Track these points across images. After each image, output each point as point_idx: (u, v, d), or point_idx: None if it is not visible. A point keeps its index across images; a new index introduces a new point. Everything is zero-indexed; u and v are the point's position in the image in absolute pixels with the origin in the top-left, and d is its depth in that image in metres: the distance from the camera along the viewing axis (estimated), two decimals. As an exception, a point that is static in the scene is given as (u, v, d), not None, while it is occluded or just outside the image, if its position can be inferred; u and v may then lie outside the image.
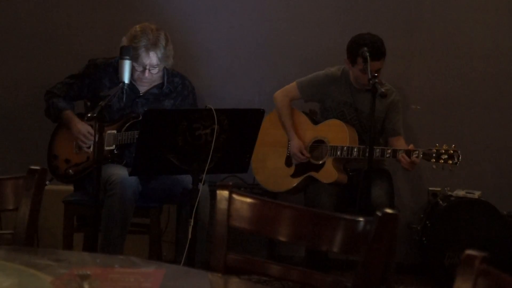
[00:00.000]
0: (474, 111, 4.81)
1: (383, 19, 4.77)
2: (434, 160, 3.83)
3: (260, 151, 4.26)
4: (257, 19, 4.87)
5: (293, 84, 4.30)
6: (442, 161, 3.82)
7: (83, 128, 3.86)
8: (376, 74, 3.62)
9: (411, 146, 3.92)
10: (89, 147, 3.86)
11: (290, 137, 4.24)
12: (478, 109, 4.81)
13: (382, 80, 4.20)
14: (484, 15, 4.78)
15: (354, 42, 4.00)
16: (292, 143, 4.21)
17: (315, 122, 4.29)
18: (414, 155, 3.85)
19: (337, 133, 4.11)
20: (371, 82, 3.58)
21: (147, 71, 3.80)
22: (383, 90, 3.56)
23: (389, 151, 3.93)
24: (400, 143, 4.15)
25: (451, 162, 3.82)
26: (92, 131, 3.83)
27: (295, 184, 4.24)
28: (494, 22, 4.79)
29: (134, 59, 3.72)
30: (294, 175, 4.24)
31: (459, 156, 3.82)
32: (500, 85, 4.81)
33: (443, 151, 3.83)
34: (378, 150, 3.94)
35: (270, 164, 4.31)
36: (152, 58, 3.77)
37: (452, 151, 3.82)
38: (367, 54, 3.81)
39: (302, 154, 4.16)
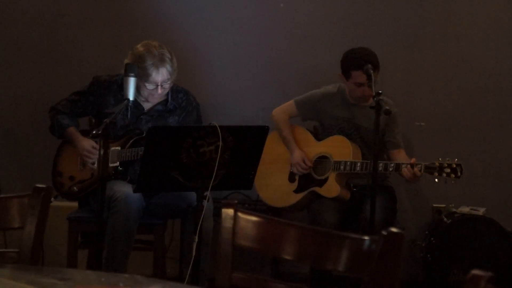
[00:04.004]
0: (478, 127, 4.81)
1: (385, 35, 4.78)
2: (436, 174, 3.84)
3: (263, 169, 4.25)
4: (261, 37, 4.89)
5: (291, 102, 4.35)
6: (445, 175, 3.83)
7: (87, 144, 3.87)
8: (380, 92, 3.62)
9: (413, 160, 3.92)
10: (93, 163, 3.87)
11: (291, 149, 4.25)
12: (482, 125, 4.81)
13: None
14: (486, 31, 4.79)
15: (345, 57, 4.08)
16: (294, 154, 4.22)
17: (319, 139, 4.30)
18: (417, 169, 3.85)
19: (340, 148, 4.13)
20: (375, 99, 3.58)
21: (159, 87, 3.80)
22: (387, 107, 3.56)
23: (392, 165, 3.95)
24: (401, 156, 4.16)
25: (453, 175, 3.82)
26: (95, 145, 3.85)
27: (298, 199, 4.24)
28: (496, 38, 4.79)
29: (145, 79, 3.74)
30: (297, 191, 4.25)
31: (462, 170, 3.83)
32: (504, 101, 4.80)
33: (446, 165, 3.84)
34: (381, 165, 3.95)
35: (273, 180, 4.32)
36: (163, 74, 3.77)
37: (455, 165, 3.84)
38: (371, 71, 3.82)
39: (305, 163, 4.16)
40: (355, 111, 4.19)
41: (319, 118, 4.31)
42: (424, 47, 4.82)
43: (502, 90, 4.81)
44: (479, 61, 4.81)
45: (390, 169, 3.95)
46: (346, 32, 4.83)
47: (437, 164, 3.85)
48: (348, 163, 4.06)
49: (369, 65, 3.87)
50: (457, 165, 3.84)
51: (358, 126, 4.19)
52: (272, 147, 4.30)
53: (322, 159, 4.20)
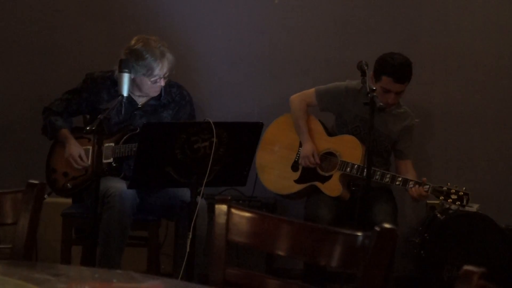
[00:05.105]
0: (473, 124, 4.82)
1: (382, 31, 4.78)
2: (442, 198, 3.84)
3: (269, 150, 4.25)
4: (256, 32, 4.88)
5: (312, 90, 4.26)
6: (451, 201, 3.83)
7: (75, 152, 3.86)
8: (374, 88, 3.61)
9: (424, 179, 3.90)
10: (80, 169, 3.87)
11: (303, 140, 4.19)
12: (477, 122, 4.81)
13: (401, 102, 4.19)
14: (485, 27, 4.79)
15: (382, 59, 4.00)
16: (305, 146, 4.16)
17: (330, 133, 4.26)
18: (424, 189, 3.85)
19: (351, 149, 4.07)
20: (369, 95, 3.57)
21: (162, 79, 3.84)
22: (381, 103, 3.55)
23: (400, 179, 3.93)
24: (408, 168, 4.15)
25: (459, 203, 3.82)
26: (84, 156, 3.86)
27: (297, 190, 4.21)
28: (495, 34, 4.79)
29: (149, 74, 3.79)
30: (298, 181, 4.21)
31: (468, 200, 3.82)
32: (499, 98, 4.81)
33: (454, 191, 3.83)
34: (388, 176, 3.93)
35: (276, 165, 4.27)
36: (166, 66, 3.82)
37: (462, 193, 3.83)
38: (365, 67, 3.80)
39: (314, 158, 4.12)
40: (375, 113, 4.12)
41: (337, 112, 4.22)
42: (421, 43, 4.81)
43: (497, 87, 4.81)
44: (475, 57, 4.80)
45: (397, 183, 3.93)
46: (342, 28, 4.83)
47: (445, 188, 3.84)
48: (356, 166, 4.01)
49: (363, 61, 3.84)
50: (465, 194, 3.83)
51: (374, 129, 4.12)
52: (282, 131, 4.27)
53: (329, 155, 4.17)
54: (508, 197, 4.79)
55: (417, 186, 3.87)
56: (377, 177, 3.91)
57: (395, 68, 3.93)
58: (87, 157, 3.90)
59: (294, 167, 4.24)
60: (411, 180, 3.90)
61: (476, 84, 4.81)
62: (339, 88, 4.21)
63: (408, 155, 4.21)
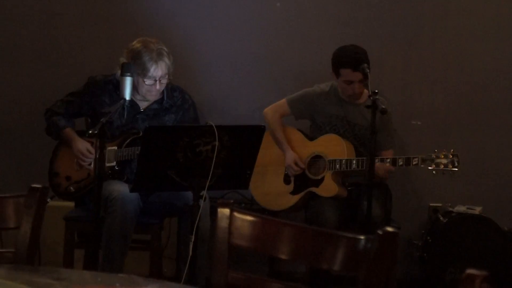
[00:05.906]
0: (474, 126, 4.82)
1: (382, 33, 4.78)
2: (434, 166, 3.84)
3: (257, 171, 4.23)
4: (257, 34, 4.89)
5: (283, 100, 4.33)
6: (442, 166, 3.83)
7: (83, 146, 3.86)
8: (376, 91, 3.62)
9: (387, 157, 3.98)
10: (89, 165, 3.87)
11: (284, 149, 4.24)
12: (478, 124, 4.81)
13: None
14: (483, 29, 4.80)
15: (335, 55, 4.09)
16: (287, 155, 4.21)
17: (310, 138, 4.29)
18: (414, 162, 3.87)
19: (334, 147, 4.12)
20: (371, 98, 3.58)
21: (157, 82, 3.81)
22: (383, 106, 3.56)
23: (388, 160, 3.95)
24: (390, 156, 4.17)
25: (451, 166, 3.83)
26: (91, 148, 3.84)
27: (295, 201, 4.22)
28: (493, 36, 4.80)
29: (143, 74, 3.76)
30: (293, 192, 4.23)
31: (458, 160, 3.83)
32: (500, 100, 4.81)
33: (442, 156, 3.85)
34: (377, 160, 3.95)
35: (268, 183, 4.29)
36: (162, 68, 3.79)
37: (451, 155, 3.84)
38: (368, 70, 3.82)
39: (297, 165, 4.16)
40: (348, 108, 4.18)
41: (312, 116, 4.29)
42: (421, 45, 4.82)
43: (498, 89, 4.81)
44: (476, 59, 4.81)
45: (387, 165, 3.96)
46: (343, 31, 4.83)
47: (433, 156, 3.86)
48: (344, 161, 4.05)
49: (365, 65, 3.87)
50: (454, 155, 3.84)
51: (352, 124, 4.19)
52: (267, 148, 4.27)
53: (316, 159, 4.19)
54: (511, 200, 4.78)
55: (388, 164, 3.91)
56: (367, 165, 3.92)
57: (350, 58, 3.98)
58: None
59: (286, 180, 4.26)
60: (399, 158, 3.94)
61: (477, 86, 4.81)
62: (310, 93, 4.28)
63: (389, 144, 4.24)
